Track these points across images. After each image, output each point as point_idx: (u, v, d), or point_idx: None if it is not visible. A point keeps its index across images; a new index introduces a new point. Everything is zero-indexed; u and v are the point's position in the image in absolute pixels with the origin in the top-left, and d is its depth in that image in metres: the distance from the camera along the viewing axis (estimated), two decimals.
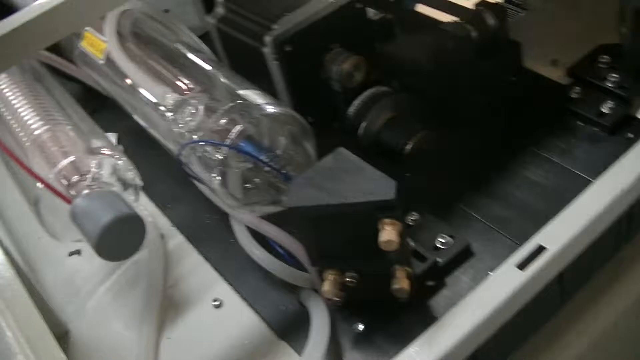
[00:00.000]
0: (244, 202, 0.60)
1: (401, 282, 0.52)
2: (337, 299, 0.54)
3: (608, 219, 0.56)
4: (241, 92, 0.62)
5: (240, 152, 0.58)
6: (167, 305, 0.61)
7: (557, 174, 0.62)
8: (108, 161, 0.62)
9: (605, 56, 0.67)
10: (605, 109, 0.64)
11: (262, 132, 0.59)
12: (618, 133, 0.63)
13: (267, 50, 0.66)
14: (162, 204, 0.70)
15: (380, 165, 0.51)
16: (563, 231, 0.54)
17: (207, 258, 0.64)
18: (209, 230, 0.66)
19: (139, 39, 0.71)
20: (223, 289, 0.61)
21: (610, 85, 0.65)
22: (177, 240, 0.66)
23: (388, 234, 0.48)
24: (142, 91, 0.66)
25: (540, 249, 0.53)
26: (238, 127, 0.58)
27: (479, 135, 0.67)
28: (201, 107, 0.61)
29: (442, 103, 0.68)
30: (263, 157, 0.58)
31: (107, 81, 0.73)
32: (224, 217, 0.65)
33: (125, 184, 0.63)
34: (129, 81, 0.68)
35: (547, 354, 0.62)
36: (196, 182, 0.65)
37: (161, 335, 0.59)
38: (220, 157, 0.59)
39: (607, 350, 0.66)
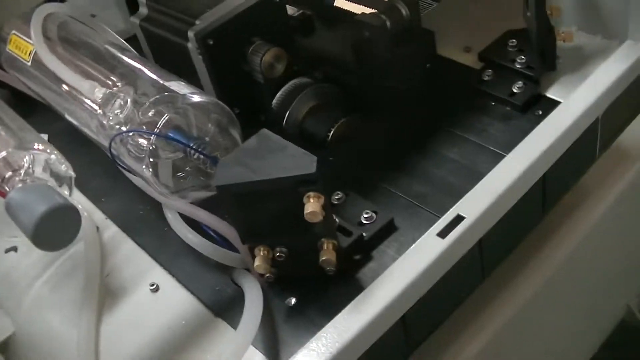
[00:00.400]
0: (175, 190, 0.62)
1: (328, 254, 0.55)
2: (268, 274, 0.56)
3: (521, 189, 0.61)
4: (167, 84, 0.64)
5: (168, 140, 0.60)
6: (104, 294, 0.62)
7: (473, 151, 0.65)
8: (40, 157, 0.64)
9: (513, 40, 0.71)
10: (515, 88, 0.68)
11: (190, 121, 0.61)
12: (529, 111, 0.67)
13: (190, 46, 0.68)
14: (95, 199, 0.71)
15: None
16: (480, 201, 0.58)
17: (142, 246, 0.66)
18: (142, 220, 0.68)
19: (67, 41, 0.72)
20: (159, 274, 0.63)
21: (519, 66, 0.69)
22: (111, 231, 0.68)
23: (312, 205, 0.51)
24: (71, 89, 0.67)
25: (459, 219, 0.57)
26: (165, 117, 0.60)
27: (398, 120, 0.70)
28: (129, 100, 0.63)
29: (361, 91, 0.72)
30: (191, 144, 0.60)
31: (36, 83, 0.74)
32: (157, 207, 0.66)
33: (60, 179, 0.65)
34: (58, 81, 0.69)
35: (474, 324, 0.66)
36: (128, 174, 0.66)
37: (100, 322, 0.60)
38: (150, 148, 0.61)
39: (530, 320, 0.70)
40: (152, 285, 0.62)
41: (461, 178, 0.63)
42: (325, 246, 0.55)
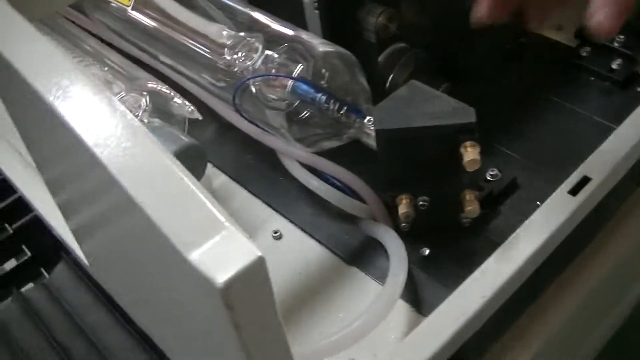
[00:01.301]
0: (303, 138, 0.62)
1: (472, 204, 0.56)
2: (404, 224, 0.57)
3: (636, 154, 0.63)
4: (295, 33, 0.64)
5: (301, 89, 0.60)
6: None
7: (579, 120, 0.68)
8: (159, 97, 0.64)
9: None
10: (614, 65, 0.71)
11: (322, 70, 0.61)
12: (629, 87, 0.70)
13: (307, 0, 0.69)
14: None
15: None
16: (604, 164, 0.61)
17: (256, 194, 0.66)
18: (253, 169, 0.68)
19: None
20: (280, 222, 0.63)
21: (617, 45, 0.72)
22: (221, 179, 0.68)
23: (472, 153, 0.53)
24: (189, 34, 0.67)
25: (585, 180, 0.60)
26: (299, 65, 0.61)
27: (498, 88, 0.72)
28: (259, 46, 0.63)
29: (462, 59, 0.74)
30: (322, 95, 0.60)
31: (135, 32, 0.73)
32: (267, 156, 0.66)
33: (169, 119, 0.65)
34: (166, 27, 0.69)
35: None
36: (242, 124, 0.66)
37: None
38: (277, 96, 0.61)
39: None
40: (276, 232, 0.62)
41: (572, 143, 0.65)
42: (468, 197, 0.57)
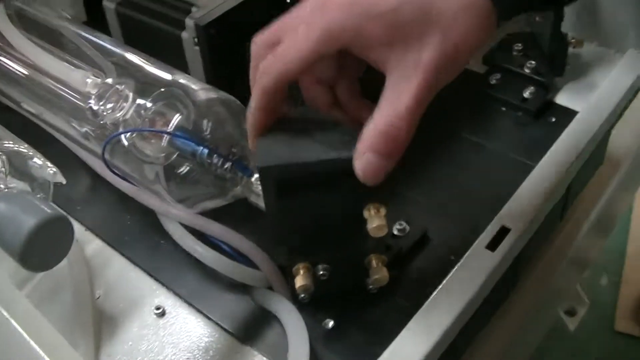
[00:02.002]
0: (182, 197, 0.54)
1: (380, 272, 0.50)
2: (303, 294, 0.50)
3: (555, 198, 0.58)
4: (172, 77, 0.56)
5: (180, 142, 0.52)
6: (99, 320, 0.53)
7: (494, 158, 0.62)
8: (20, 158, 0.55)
9: (518, 44, 0.69)
10: (526, 94, 0.65)
11: (201, 120, 0.53)
12: (541, 117, 0.65)
13: (186, 35, 0.61)
14: (68, 208, 0.61)
15: None
16: (524, 213, 0.55)
17: (135, 262, 0.57)
18: (132, 232, 0.59)
19: (33, 27, 0.63)
20: (162, 295, 0.55)
21: (527, 71, 0.67)
22: (94, 245, 0.59)
23: (378, 219, 0.46)
24: (52, 81, 0.58)
25: (504, 231, 0.54)
26: (177, 115, 0.53)
27: None
28: (130, 94, 0.54)
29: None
30: (204, 148, 0.52)
31: None
32: (147, 217, 0.58)
33: (33, 184, 0.55)
34: (31, 73, 0.60)
35: None
36: (116, 181, 0.58)
37: (99, 355, 0.52)
38: (153, 150, 0.53)
39: None
40: (158, 309, 0.54)
41: (487, 185, 0.60)
42: (374, 262, 0.50)
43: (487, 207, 0.56)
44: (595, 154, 0.64)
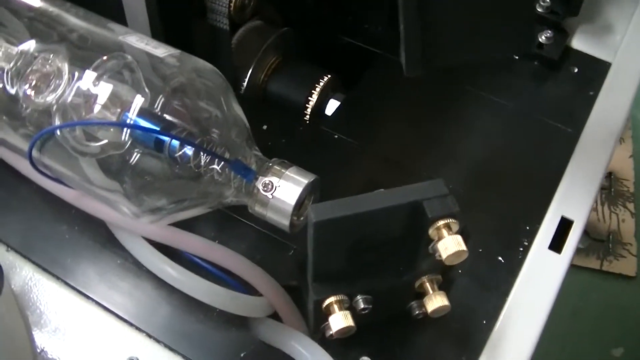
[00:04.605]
0: (150, 207, 0.39)
1: (439, 299, 0.38)
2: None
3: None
4: (120, 38, 0.40)
5: (145, 135, 0.37)
6: None
7: (514, 120, 0.51)
8: None
9: None
10: (543, 38, 0.54)
11: (171, 101, 0.38)
12: (562, 67, 0.54)
13: None
14: None
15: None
16: (583, 199, 0.44)
17: (83, 294, 0.42)
18: (74, 252, 0.43)
19: None
20: (134, 340, 0.40)
21: (541, 11, 0.55)
22: (24, 274, 0.42)
23: (457, 242, 0.33)
24: None
25: (566, 223, 0.43)
26: (138, 97, 0.37)
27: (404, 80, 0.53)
28: (63, 64, 0.38)
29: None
30: (181, 140, 0.38)
31: None
32: (88, 226, 0.43)
33: None
34: None
35: None
36: (50, 185, 0.42)
37: None
38: (103, 144, 0.38)
39: None
40: None
41: (517, 160, 0.49)
42: (428, 286, 0.38)
43: (524, 189, 0.45)
44: None
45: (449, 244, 0.33)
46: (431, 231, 0.34)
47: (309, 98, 0.50)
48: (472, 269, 0.42)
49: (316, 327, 0.39)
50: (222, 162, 0.37)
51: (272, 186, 0.37)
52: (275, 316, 0.40)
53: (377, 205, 0.34)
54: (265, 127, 0.49)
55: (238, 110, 0.40)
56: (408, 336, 0.40)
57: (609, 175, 1.24)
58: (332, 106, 0.51)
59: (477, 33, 0.41)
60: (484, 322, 0.40)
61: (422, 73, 0.40)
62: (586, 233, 1.16)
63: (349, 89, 0.52)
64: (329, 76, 0.51)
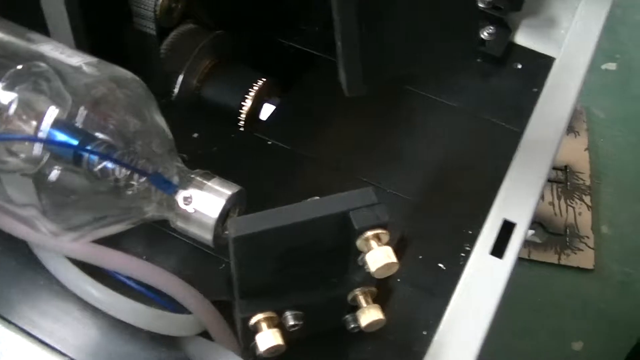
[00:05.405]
0: (69, 226, 0.37)
1: (372, 312, 0.36)
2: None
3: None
4: (32, 47, 0.38)
5: (61, 149, 0.35)
6: None
7: (460, 120, 0.49)
8: None
9: None
10: (485, 34, 0.52)
11: (90, 112, 0.36)
12: (506, 63, 0.52)
13: None
14: None
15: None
16: (524, 203, 0.43)
17: (4, 317, 0.39)
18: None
19: None
20: None
21: (482, 6, 0.54)
22: None
23: (386, 255, 0.32)
24: None
25: (508, 226, 0.42)
26: (52, 108, 0.35)
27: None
28: None
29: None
30: (98, 154, 0.36)
31: None
32: (8, 245, 0.41)
33: None
34: None
35: None
36: None
37: None
38: (18, 158, 0.36)
39: None
40: None
41: (463, 161, 0.48)
42: (362, 300, 0.36)
43: (467, 192, 0.44)
44: None
45: (378, 256, 0.31)
46: (359, 243, 0.32)
47: (243, 103, 0.49)
48: (412, 277, 0.41)
49: (246, 345, 0.37)
50: (142, 176, 0.35)
51: (193, 199, 0.35)
52: (206, 334, 0.39)
53: (301, 217, 0.32)
54: (196, 135, 0.47)
55: (160, 120, 0.38)
56: (344, 351, 0.39)
57: (565, 169, 1.24)
58: (266, 111, 0.49)
59: (420, 42, 0.39)
60: (424, 332, 0.39)
61: (365, 93, 0.38)
62: (543, 227, 1.17)
63: (286, 93, 0.50)
64: (264, 80, 0.49)
